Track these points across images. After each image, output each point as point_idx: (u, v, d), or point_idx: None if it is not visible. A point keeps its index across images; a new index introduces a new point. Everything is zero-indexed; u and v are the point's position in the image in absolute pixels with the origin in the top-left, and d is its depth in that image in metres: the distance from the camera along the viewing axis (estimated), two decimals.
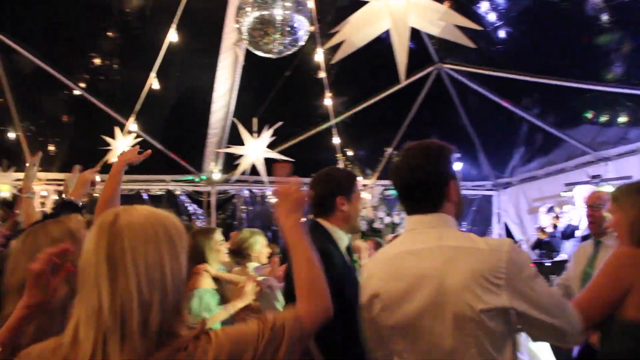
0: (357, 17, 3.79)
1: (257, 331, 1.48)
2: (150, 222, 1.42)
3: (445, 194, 1.93)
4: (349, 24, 3.83)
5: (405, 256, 1.91)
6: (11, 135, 8.19)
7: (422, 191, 1.93)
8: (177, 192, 9.07)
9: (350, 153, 8.75)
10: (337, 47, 4.24)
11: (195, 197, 9.16)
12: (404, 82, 7.82)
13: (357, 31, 3.83)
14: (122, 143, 7.10)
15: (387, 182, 9.11)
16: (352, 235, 3.33)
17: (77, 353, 1.33)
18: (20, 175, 8.26)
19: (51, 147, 8.58)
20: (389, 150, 8.92)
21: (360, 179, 9.05)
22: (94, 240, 1.39)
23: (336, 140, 8.29)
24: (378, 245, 6.01)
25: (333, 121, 8.04)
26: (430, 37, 7.33)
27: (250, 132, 7.13)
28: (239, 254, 4.53)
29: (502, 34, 7.13)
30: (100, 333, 1.31)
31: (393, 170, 1.99)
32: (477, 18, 6.53)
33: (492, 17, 6.89)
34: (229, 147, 7.42)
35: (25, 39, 7.17)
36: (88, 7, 6.94)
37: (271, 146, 7.21)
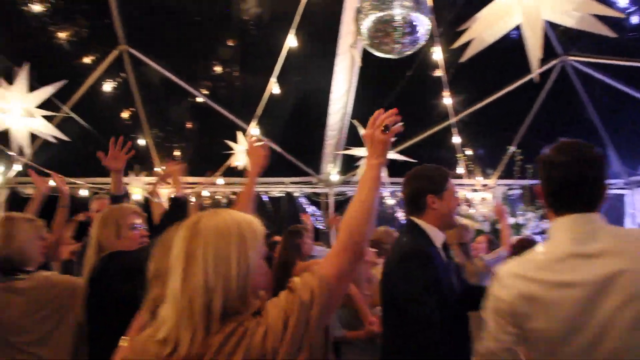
0: (486, 13, 3.66)
1: (294, 300, 1.64)
2: (226, 223, 1.68)
3: (604, 193, 1.89)
4: (478, 21, 3.70)
5: (577, 260, 1.81)
6: (141, 142, 8.65)
7: (593, 187, 1.87)
8: (296, 194, 9.21)
9: (469, 152, 8.51)
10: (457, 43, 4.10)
11: (313, 198, 9.27)
12: (527, 78, 7.60)
13: (488, 27, 3.68)
14: (244, 147, 7.30)
15: (509, 181, 8.80)
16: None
17: (159, 328, 1.64)
18: (151, 179, 8.73)
19: (177, 152, 8.98)
20: (512, 148, 8.59)
21: (479, 179, 8.79)
22: (181, 235, 1.69)
23: (456, 139, 8.08)
24: (491, 243, 5.85)
25: (453, 119, 7.84)
26: (554, 28, 6.99)
27: None
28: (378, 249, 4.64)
29: (635, 20, 6.68)
30: (176, 312, 1.60)
31: (556, 164, 1.91)
32: (608, 4, 6.15)
33: (624, 2, 6.47)
34: (348, 148, 7.42)
35: (152, 51, 7.56)
36: (209, 18, 7.22)
37: (390, 146, 7.12)
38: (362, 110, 7.63)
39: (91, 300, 3.02)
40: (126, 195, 3.91)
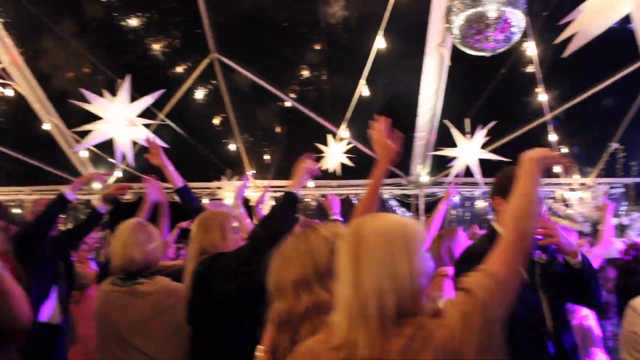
0: (592, 4, 3.49)
1: (472, 301, 1.60)
2: (389, 227, 1.67)
3: None
4: (583, 13, 3.53)
5: None
6: (232, 147, 8.85)
7: None
8: (386, 196, 9.15)
9: (565, 150, 8.17)
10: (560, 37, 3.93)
11: (403, 200, 9.19)
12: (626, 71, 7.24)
13: (594, 19, 3.51)
14: (335, 150, 7.33)
15: (611, 179, 8.41)
16: None
17: (334, 334, 1.64)
18: (241, 183, 8.92)
19: (266, 156, 9.14)
20: (614, 144, 8.18)
21: (577, 178, 8.44)
22: (346, 242, 1.70)
23: (552, 137, 7.79)
24: (591, 244, 5.57)
25: (548, 116, 7.58)
26: None
27: (463, 133, 6.95)
28: None
29: None
30: (349, 317, 1.60)
31: None
32: None
33: None
34: (440, 149, 7.30)
35: (242, 58, 7.72)
36: (296, 24, 7.30)
37: (483, 146, 6.97)
38: (451, 110, 7.50)
39: (195, 301, 3.11)
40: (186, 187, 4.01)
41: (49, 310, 4.60)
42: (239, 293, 2.91)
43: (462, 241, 3.89)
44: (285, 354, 1.90)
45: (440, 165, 8.33)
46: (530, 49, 6.33)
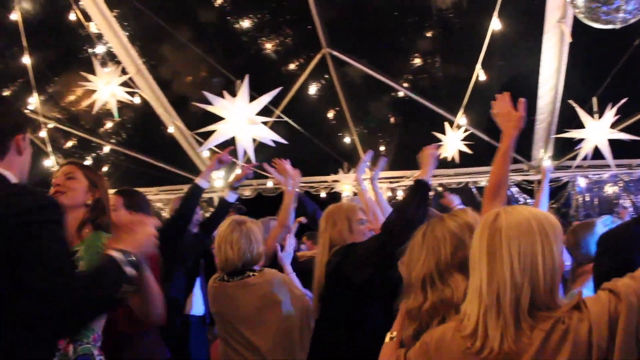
0: None
1: (619, 302, 1.53)
2: (526, 218, 1.66)
3: None
4: None
5: None
6: (347, 140, 8.90)
7: None
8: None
9: None
10: None
11: (525, 186, 8.85)
12: None
13: None
14: (452, 138, 7.18)
15: None
16: None
17: (464, 325, 1.67)
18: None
19: (382, 147, 9.11)
20: None
21: None
22: (478, 235, 1.72)
23: None
24: None
25: None
26: None
27: (590, 112, 6.56)
28: None
29: None
30: (481, 308, 1.62)
31: None
32: None
33: None
34: (565, 131, 6.93)
35: (353, 51, 7.73)
36: (407, 12, 7.19)
37: (612, 125, 6.54)
38: (575, 89, 7.11)
39: (328, 290, 3.17)
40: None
41: (194, 303, 4.86)
42: (372, 281, 2.96)
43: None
44: (411, 342, 1.96)
45: (565, 148, 7.94)
46: None
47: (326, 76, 8.10)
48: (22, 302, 1.70)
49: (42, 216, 1.78)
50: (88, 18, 6.99)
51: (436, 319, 1.95)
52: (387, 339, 2.15)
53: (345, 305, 3.10)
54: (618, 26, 4.60)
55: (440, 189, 9.06)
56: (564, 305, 1.63)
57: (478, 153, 7.52)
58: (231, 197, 4.64)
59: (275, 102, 7.27)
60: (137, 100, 7.56)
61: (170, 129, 8.48)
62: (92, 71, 6.32)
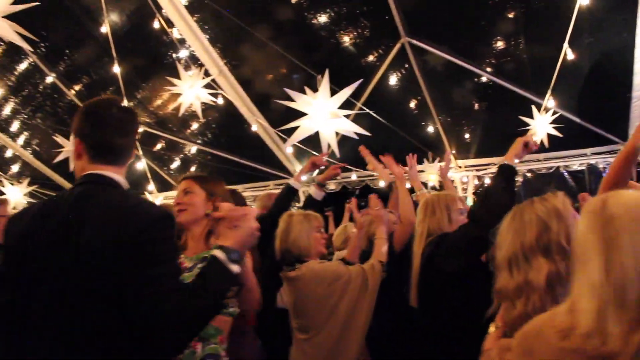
0: None
1: None
2: (638, 202, 1.51)
3: None
4: None
5: None
6: (430, 129, 8.76)
7: None
8: (601, 166, 8.44)
9: None
10: None
11: None
12: None
13: None
14: (540, 121, 6.93)
15: None
16: None
17: (576, 321, 1.49)
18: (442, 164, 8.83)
19: (466, 135, 8.92)
20: None
21: None
22: (586, 223, 1.56)
23: None
24: None
25: None
26: None
27: None
28: None
29: None
30: (601, 303, 1.44)
31: None
32: None
33: None
34: None
35: (433, 38, 7.58)
36: None
37: None
38: None
39: (424, 280, 3.17)
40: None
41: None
42: (467, 270, 2.92)
43: None
44: (513, 327, 1.93)
45: None
46: None
47: (406, 65, 7.98)
48: (133, 321, 1.77)
49: (156, 233, 1.85)
50: (171, 24, 7.20)
51: (520, 300, 1.99)
52: (491, 329, 2.15)
53: (442, 294, 3.10)
54: None
55: (529, 175, 8.80)
56: None
57: (568, 136, 7.25)
58: (318, 195, 4.66)
59: (356, 94, 7.26)
60: (220, 101, 7.74)
61: (254, 127, 8.63)
62: (176, 75, 6.52)
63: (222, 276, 1.87)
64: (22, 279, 1.92)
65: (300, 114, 5.40)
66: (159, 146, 9.97)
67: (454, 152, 8.90)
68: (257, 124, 8.61)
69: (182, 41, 7.54)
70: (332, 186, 9.65)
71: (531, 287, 1.98)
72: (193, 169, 10.36)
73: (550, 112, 6.99)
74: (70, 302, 1.81)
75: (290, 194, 4.55)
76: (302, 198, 7.62)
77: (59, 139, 7.24)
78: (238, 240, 1.96)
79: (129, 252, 1.78)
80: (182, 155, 10.30)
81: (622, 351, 1.40)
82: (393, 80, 8.26)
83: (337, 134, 5.60)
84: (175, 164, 10.51)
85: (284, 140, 8.13)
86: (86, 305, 1.79)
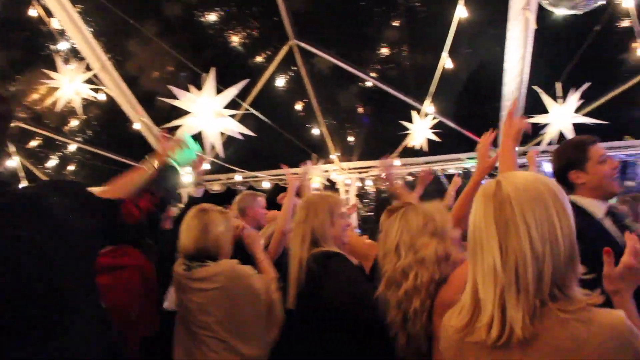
0: None
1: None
2: (532, 182, 1.50)
3: None
4: None
5: None
6: (316, 131, 8.89)
7: None
8: (474, 170, 8.89)
9: None
10: None
11: (493, 173, 8.91)
12: None
13: None
14: (420, 126, 7.22)
15: None
16: None
17: (479, 309, 1.48)
18: (328, 166, 8.98)
19: (350, 138, 9.13)
20: None
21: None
22: (481, 208, 1.53)
23: None
24: None
25: None
26: None
27: (554, 98, 6.67)
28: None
29: None
30: (498, 289, 1.42)
31: None
32: None
33: None
34: (530, 116, 7.02)
35: (321, 42, 7.73)
36: (374, 2, 7.25)
37: (577, 110, 6.66)
38: (540, 75, 7.19)
39: (307, 297, 3.07)
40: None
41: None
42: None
43: None
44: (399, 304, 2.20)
45: (531, 134, 8.06)
46: (626, 0, 5.98)
47: (294, 68, 8.07)
48: None
49: None
50: (50, 14, 6.85)
51: (410, 277, 2.13)
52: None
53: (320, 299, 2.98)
54: (581, 12, 4.69)
55: (410, 177, 9.11)
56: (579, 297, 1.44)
57: (446, 141, 7.60)
58: (197, 192, 4.62)
59: (242, 95, 7.25)
60: (102, 97, 7.45)
61: (137, 125, 8.38)
62: (55, 68, 6.21)
63: None
64: None
65: (185, 113, 5.32)
66: (34, 143, 9.44)
67: (338, 154, 9.08)
68: (141, 122, 8.37)
69: (62, 32, 7.19)
70: (216, 187, 9.53)
71: (422, 262, 2.11)
72: (72, 167, 9.89)
73: (430, 117, 7.31)
74: None
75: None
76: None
77: None
78: None
79: None
80: (59, 153, 9.80)
81: (524, 338, 1.38)
82: (280, 81, 8.32)
83: (222, 134, 5.55)
84: (53, 162, 9.99)
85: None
86: None
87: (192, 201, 4.58)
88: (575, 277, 1.46)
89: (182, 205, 5.22)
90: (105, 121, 9.00)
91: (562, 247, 1.43)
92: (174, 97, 5.20)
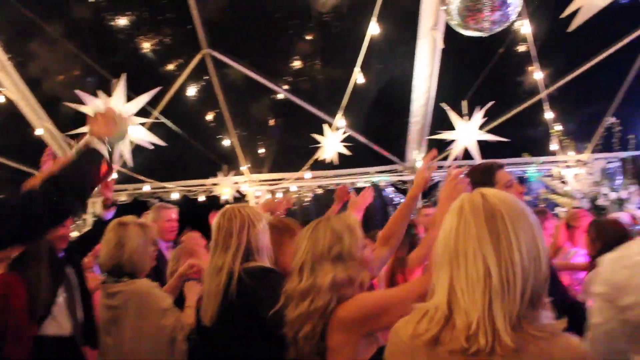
0: None
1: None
2: (514, 200, 1.53)
3: None
4: None
5: None
6: (226, 142, 8.81)
7: None
8: (383, 184, 9.12)
9: (559, 127, 8.14)
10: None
11: (400, 187, 9.16)
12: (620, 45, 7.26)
13: None
14: (331, 139, 7.32)
15: (608, 154, 8.38)
16: None
17: (458, 316, 1.46)
18: (239, 178, 8.90)
19: (261, 150, 9.11)
20: (611, 119, 8.08)
21: (572, 154, 8.40)
22: (468, 218, 1.51)
23: (548, 114, 7.79)
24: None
25: (543, 94, 7.56)
26: None
27: (460, 115, 6.95)
28: None
29: None
30: (487, 296, 1.42)
31: None
32: None
33: None
34: (438, 132, 7.28)
35: (234, 52, 7.71)
36: (288, 15, 7.30)
37: (481, 127, 6.98)
38: (447, 93, 7.48)
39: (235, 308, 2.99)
40: None
41: None
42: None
43: None
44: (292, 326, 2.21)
45: (437, 149, 8.32)
46: (525, 27, 6.36)
47: (206, 77, 7.98)
48: None
49: None
50: None
51: (306, 301, 2.15)
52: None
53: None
54: (486, 34, 4.91)
55: (320, 190, 9.19)
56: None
57: (356, 154, 7.73)
58: (107, 215, 4.40)
59: (153, 103, 7.09)
60: (1, 99, 7.07)
61: (39, 131, 7.99)
62: None
63: None
64: None
65: None
66: None
67: (248, 166, 9.03)
68: (43, 127, 7.99)
69: None
70: (123, 197, 9.22)
71: (319, 290, 2.14)
72: None
73: (341, 131, 7.42)
74: None
75: None
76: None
77: None
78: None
79: None
80: None
81: (510, 349, 1.38)
82: (192, 91, 8.19)
83: (131, 142, 5.42)
84: None
85: (73, 147, 7.63)
86: None
87: (99, 225, 4.29)
88: (545, 299, 1.48)
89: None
90: (4, 126, 8.51)
91: (543, 267, 1.46)
92: (81, 102, 5.03)
